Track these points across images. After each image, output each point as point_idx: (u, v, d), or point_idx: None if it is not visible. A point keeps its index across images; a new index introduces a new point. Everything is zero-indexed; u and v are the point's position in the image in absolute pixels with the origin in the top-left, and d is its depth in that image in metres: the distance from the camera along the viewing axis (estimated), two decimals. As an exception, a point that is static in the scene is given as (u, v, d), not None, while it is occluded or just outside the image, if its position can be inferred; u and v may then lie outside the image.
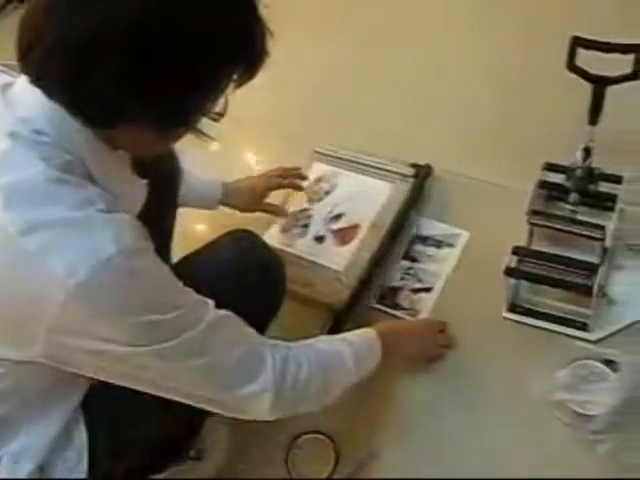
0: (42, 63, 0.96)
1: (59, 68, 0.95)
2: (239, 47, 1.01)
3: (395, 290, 1.79)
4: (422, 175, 1.97)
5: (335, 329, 1.70)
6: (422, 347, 1.62)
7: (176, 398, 1.13)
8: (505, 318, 1.67)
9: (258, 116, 2.24)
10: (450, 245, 1.85)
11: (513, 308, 1.68)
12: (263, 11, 1.03)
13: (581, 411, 1.48)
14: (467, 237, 1.85)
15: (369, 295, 1.78)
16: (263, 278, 1.39)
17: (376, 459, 1.54)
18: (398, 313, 1.75)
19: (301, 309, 1.75)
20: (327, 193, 1.99)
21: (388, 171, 1.99)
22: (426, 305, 1.75)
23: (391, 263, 1.84)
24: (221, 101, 1.07)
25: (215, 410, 1.20)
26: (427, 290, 1.78)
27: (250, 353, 1.17)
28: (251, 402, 1.18)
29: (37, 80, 0.99)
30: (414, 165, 1.99)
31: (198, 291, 1.11)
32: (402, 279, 1.81)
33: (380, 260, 1.82)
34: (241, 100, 2.21)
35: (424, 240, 1.87)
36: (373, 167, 2.01)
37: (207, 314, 1.09)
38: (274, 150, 2.17)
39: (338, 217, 1.92)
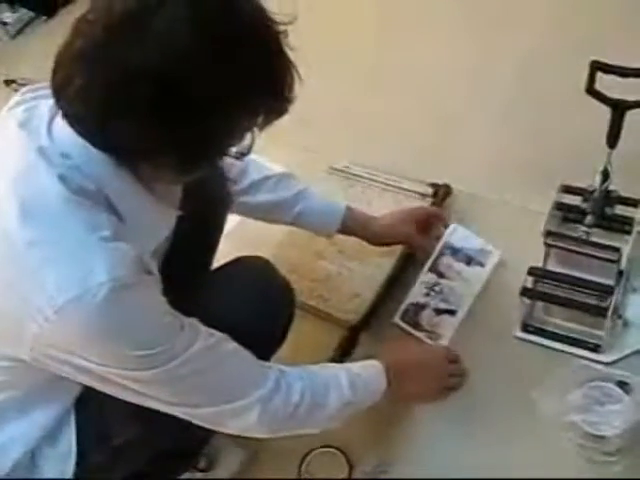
0: (75, 100, 0.99)
1: (90, 108, 0.98)
2: (265, 95, 1.04)
3: (418, 307, 1.77)
4: (441, 195, 1.97)
5: (350, 345, 1.72)
6: (433, 379, 1.57)
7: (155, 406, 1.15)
8: (518, 338, 1.68)
9: (274, 132, 2.25)
10: (480, 264, 1.81)
11: (527, 328, 1.68)
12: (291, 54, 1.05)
13: (593, 432, 1.47)
14: (498, 257, 1.81)
15: (390, 311, 1.78)
16: (272, 314, 1.39)
17: (387, 473, 1.55)
18: (418, 334, 1.73)
19: (317, 324, 1.77)
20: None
21: (406, 190, 2.00)
22: (448, 329, 1.72)
23: (414, 276, 1.82)
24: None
25: (197, 422, 1.20)
26: (451, 313, 1.75)
27: (242, 373, 1.20)
28: (238, 417, 1.20)
29: (70, 115, 1.02)
30: (433, 184, 1.99)
31: (206, 318, 1.15)
32: (427, 295, 1.78)
33: (396, 279, 1.83)
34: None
35: (455, 252, 1.84)
36: (391, 185, 2.02)
37: (197, 341, 1.11)
38: (290, 166, 2.18)
39: None
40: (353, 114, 2.28)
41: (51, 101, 1.07)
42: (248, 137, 1.09)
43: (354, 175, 2.07)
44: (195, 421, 1.18)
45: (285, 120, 2.20)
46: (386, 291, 1.81)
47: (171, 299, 1.11)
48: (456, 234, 1.87)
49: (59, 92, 1.01)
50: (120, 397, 1.12)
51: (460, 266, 1.82)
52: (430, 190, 1.98)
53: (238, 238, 1.74)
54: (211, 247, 1.57)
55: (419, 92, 2.30)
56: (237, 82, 0.98)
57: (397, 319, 1.76)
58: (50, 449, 1.22)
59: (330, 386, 1.31)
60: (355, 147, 2.16)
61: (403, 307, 1.77)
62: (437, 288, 1.79)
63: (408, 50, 2.44)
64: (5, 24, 2.85)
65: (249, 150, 1.11)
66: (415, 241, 1.79)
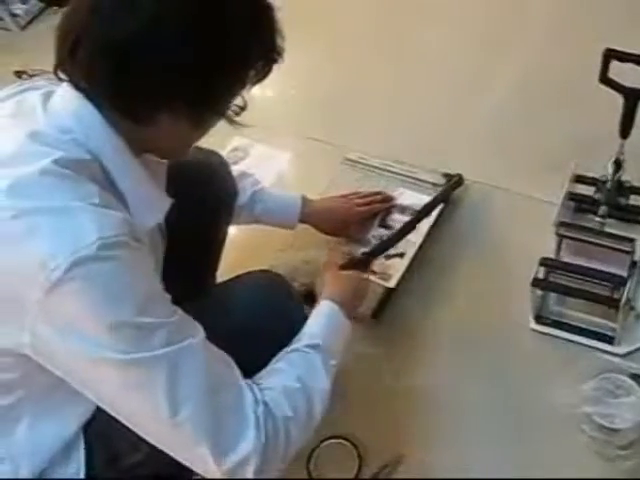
0: (90, 61, 1.01)
1: (107, 65, 1.00)
2: (264, 42, 1.08)
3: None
4: (453, 184, 1.96)
5: (364, 262, 1.72)
6: (362, 295, 1.56)
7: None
8: (531, 329, 1.67)
9: (290, 123, 2.26)
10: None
11: (540, 319, 1.67)
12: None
13: (606, 424, 1.47)
14: (441, 205, 1.90)
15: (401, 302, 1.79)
16: (283, 332, 1.31)
17: (398, 465, 1.54)
18: (372, 278, 1.76)
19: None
20: (240, 160, 2.16)
21: (419, 180, 2.00)
22: (398, 270, 1.79)
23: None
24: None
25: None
26: (400, 256, 1.81)
27: (235, 404, 1.09)
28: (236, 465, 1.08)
29: (83, 79, 1.03)
30: (445, 174, 1.99)
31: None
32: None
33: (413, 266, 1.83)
34: (275, 107, 2.23)
35: (403, 209, 1.92)
36: (404, 175, 2.01)
37: (196, 335, 1.06)
38: (305, 157, 2.19)
39: None
40: (367, 105, 2.27)
41: (40, 91, 1.11)
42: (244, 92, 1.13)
43: (368, 166, 2.07)
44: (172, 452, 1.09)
45: (301, 113, 2.21)
46: (398, 283, 1.80)
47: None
48: (404, 196, 1.96)
49: (69, 59, 1.02)
50: (98, 400, 1.08)
51: (407, 219, 1.89)
52: (442, 180, 1.98)
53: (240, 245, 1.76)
54: (213, 255, 1.60)
55: (431, 82, 2.30)
56: (248, 30, 1.05)
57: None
58: (60, 470, 1.20)
59: (315, 390, 1.21)
60: (369, 138, 2.15)
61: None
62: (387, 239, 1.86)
63: (418, 37, 2.43)
64: (15, 15, 2.86)
65: (246, 105, 1.13)
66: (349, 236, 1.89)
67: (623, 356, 1.58)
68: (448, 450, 1.55)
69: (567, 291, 1.64)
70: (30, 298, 0.96)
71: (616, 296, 1.57)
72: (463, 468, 1.51)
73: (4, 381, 1.12)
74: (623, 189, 1.62)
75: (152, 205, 1.16)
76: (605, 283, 1.59)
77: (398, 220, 1.90)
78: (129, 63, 0.99)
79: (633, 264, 1.60)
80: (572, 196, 1.71)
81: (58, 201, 0.99)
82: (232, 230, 1.67)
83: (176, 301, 1.09)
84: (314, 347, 1.25)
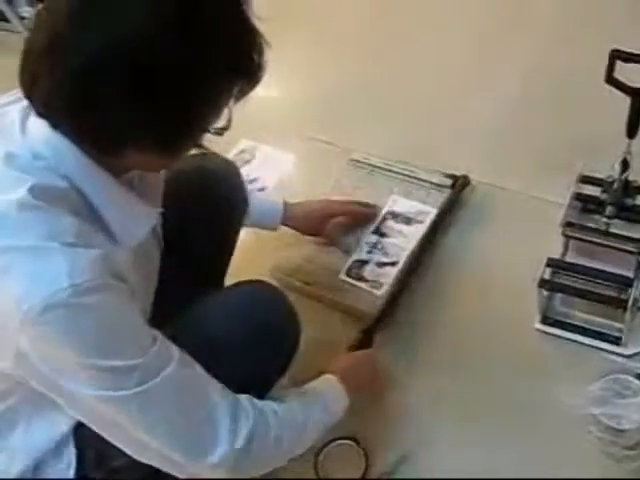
0: (48, 95, 0.97)
1: (64, 99, 0.96)
2: (235, 61, 1.01)
3: (362, 263, 1.86)
4: (459, 186, 1.96)
5: (366, 340, 1.70)
6: (369, 374, 1.58)
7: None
8: (537, 330, 1.67)
9: (294, 124, 2.26)
10: (419, 222, 1.91)
11: (546, 320, 1.67)
12: (261, 24, 1.04)
13: (613, 425, 1.47)
14: (435, 212, 1.92)
15: (408, 302, 1.79)
16: (274, 342, 1.33)
17: (404, 464, 1.54)
18: (361, 285, 1.82)
19: (329, 315, 1.78)
20: (247, 162, 2.17)
21: (424, 181, 1.99)
22: (389, 278, 1.81)
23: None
24: (225, 115, 1.07)
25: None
26: (392, 264, 1.84)
27: (216, 418, 1.12)
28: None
29: (44, 111, 1.00)
30: (451, 176, 1.98)
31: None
32: (370, 252, 1.88)
33: (413, 269, 1.83)
34: (279, 109, 2.23)
35: (396, 216, 1.94)
36: (409, 176, 2.01)
37: (171, 362, 1.07)
38: (311, 158, 2.19)
39: (253, 180, 2.12)
40: (371, 105, 2.27)
41: (21, 104, 1.06)
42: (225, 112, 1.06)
43: (373, 166, 2.07)
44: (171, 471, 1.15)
45: (305, 113, 2.21)
46: (402, 283, 1.80)
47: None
48: (397, 204, 1.98)
49: (29, 91, 0.99)
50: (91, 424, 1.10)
51: (401, 227, 1.93)
52: (448, 181, 1.97)
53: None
54: (224, 260, 1.62)
55: (438, 81, 2.29)
56: (203, 52, 0.96)
57: (342, 275, 1.85)
58: (52, 463, 1.22)
59: (308, 424, 1.27)
60: (374, 138, 2.15)
61: (348, 264, 1.86)
62: (379, 246, 1.89)
63: (422, 36, 2.43)
64: (23, 18, 2.87)
65: (229, 124, 1.08)
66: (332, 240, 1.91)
67: (630, 357, 1.58)
68: (453, 450, 1.55)
69: (573, 292, 1.64)
70: (10, 330, 0.97)
71: (623, 297, 1.56)
72: (467, 468, 1.51)
73: None
74: (630, 189, 1.61)
75: (138, 220, 1.15)
76: (612, 284, 1.59)
77: (391, 227, 1.92)
78: (84, 95, 0.94)
79: (640, 264, 1.59)
80: (578, 196, 1.71)
81: (32, 240, 0.97)
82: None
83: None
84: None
